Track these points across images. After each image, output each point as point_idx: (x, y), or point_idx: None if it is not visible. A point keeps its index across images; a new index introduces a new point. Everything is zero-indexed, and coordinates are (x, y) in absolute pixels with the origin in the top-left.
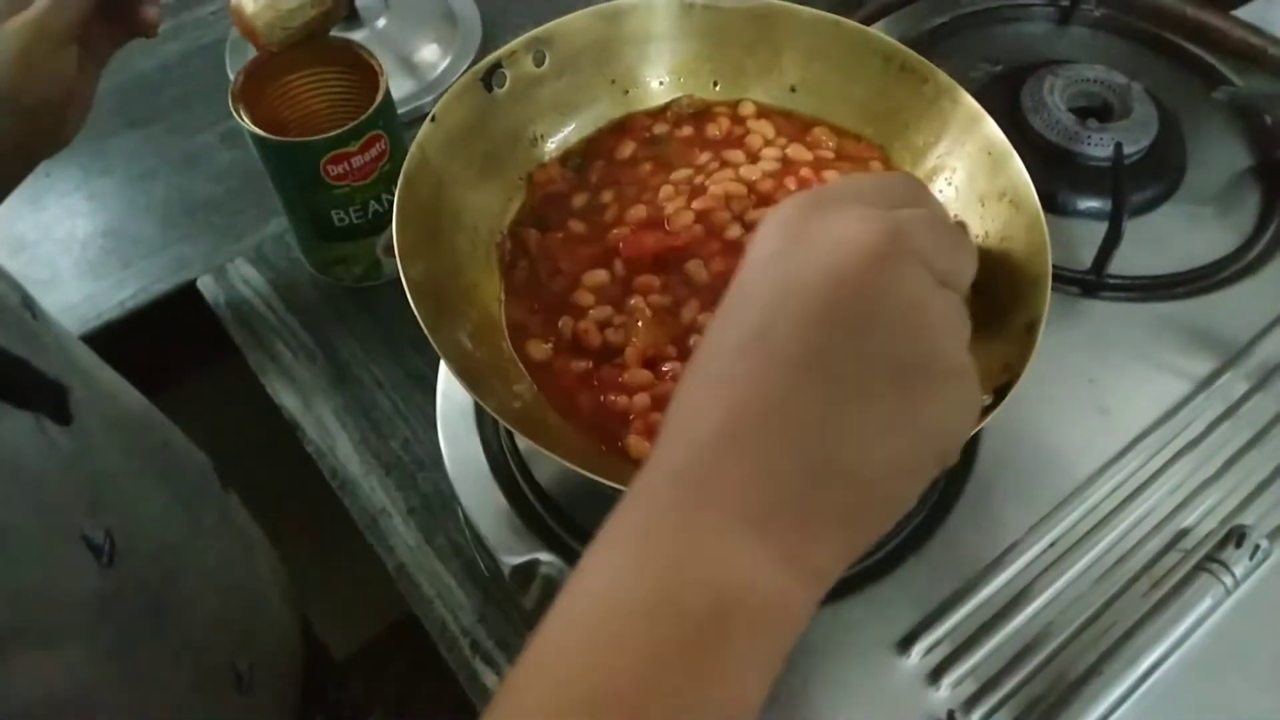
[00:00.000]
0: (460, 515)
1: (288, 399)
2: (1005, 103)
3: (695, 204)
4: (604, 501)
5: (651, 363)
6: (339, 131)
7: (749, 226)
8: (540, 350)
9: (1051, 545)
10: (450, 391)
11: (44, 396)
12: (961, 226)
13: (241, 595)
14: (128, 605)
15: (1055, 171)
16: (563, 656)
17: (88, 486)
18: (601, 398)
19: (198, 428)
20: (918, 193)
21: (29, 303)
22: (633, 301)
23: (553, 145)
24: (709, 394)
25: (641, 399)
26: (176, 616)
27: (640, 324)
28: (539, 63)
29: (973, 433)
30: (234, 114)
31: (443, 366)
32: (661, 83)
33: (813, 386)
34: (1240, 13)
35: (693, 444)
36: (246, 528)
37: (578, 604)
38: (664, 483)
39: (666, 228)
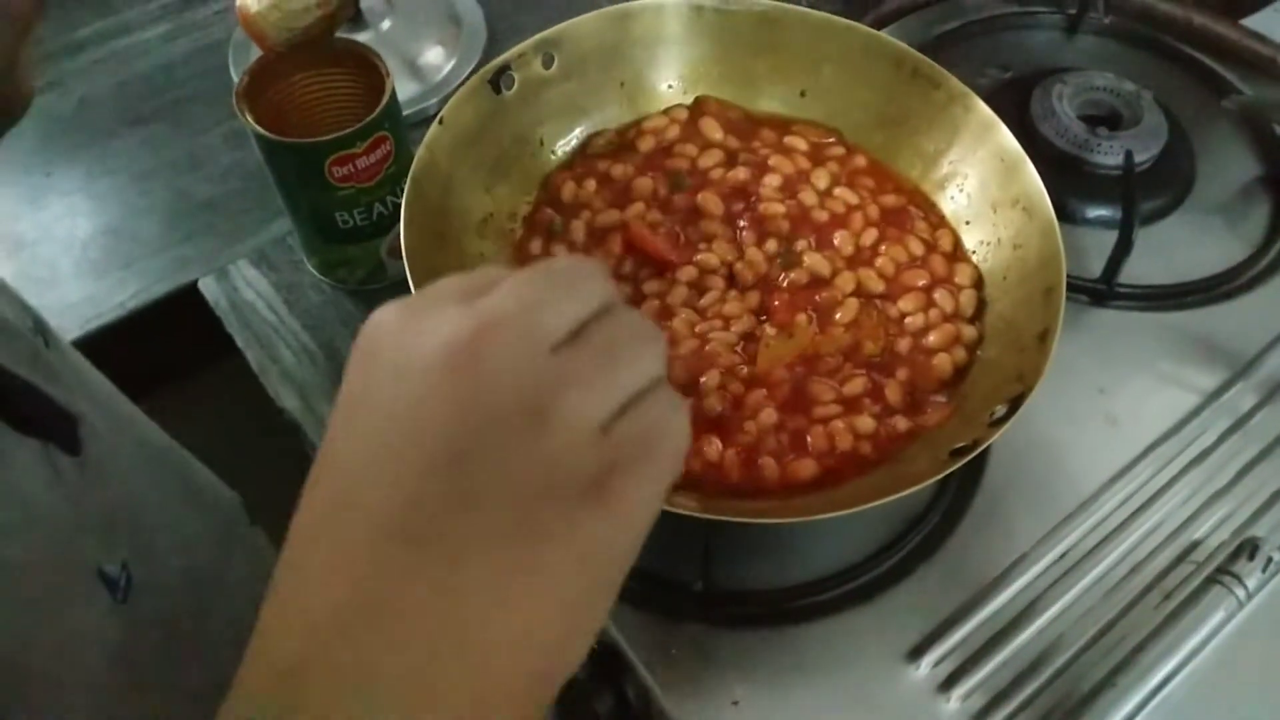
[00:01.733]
0: None
1: (289, 400)
2: (1014, 110)
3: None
4: None
5: None
6: (344, 133)
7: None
8: None
9: (1062, 556)
10: None
11: (53, 425)
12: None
13: None
14: (141, 647)
15: (1064, 179)
16: None
17: (102, 518)
18: None
19: (197, 429)
20: (515, 268)
21: (42, 329)
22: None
23: (560, 148)
24: (300, 581)
25: None
26: (191, 663)
27: None
28: (547, 65)
29: (637, 551)
30: (238, 114)
31: None
32: (670, 86)
33: (416, 559)
34: (1248, 21)
35: (276, 665)
36: (272, 565)
37: None
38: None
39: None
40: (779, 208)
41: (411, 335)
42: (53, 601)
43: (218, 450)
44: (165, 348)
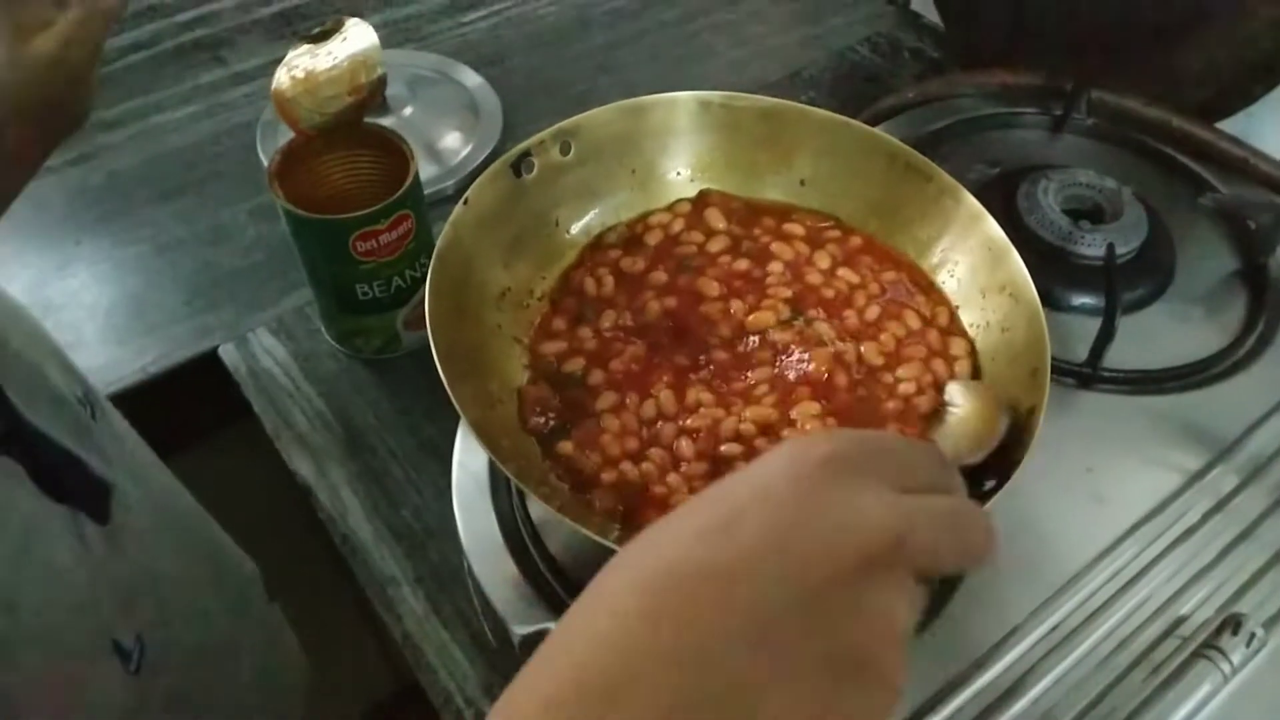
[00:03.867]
0: (469, 585)
1: (302, 465)
2: (1002, 203)
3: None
4: None
5: None
6: (370, 210)
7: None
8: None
9: (1053, 630)
10: (466, 461)
11: (87, 494)
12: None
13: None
14: (150, 718)
15: (1050, 269)
16: None
17: (122, 589)
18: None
19: (213, 492)
20: (942, 472)
21: (91, 399)
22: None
23: (575, 229)
24: (623, 623)
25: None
26: None
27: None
28: (565, 152)
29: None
30: (269, 190)
31: (459, 436)
32: (679, 174)
33: (741, 651)
34: (1224, 125)
35: (579, 680)
36: (287, 642)
37: None
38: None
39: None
40: (786, 291)
41: (848, 487)
42: (66, 669)
43: (232, 513)
44: (184, 412)
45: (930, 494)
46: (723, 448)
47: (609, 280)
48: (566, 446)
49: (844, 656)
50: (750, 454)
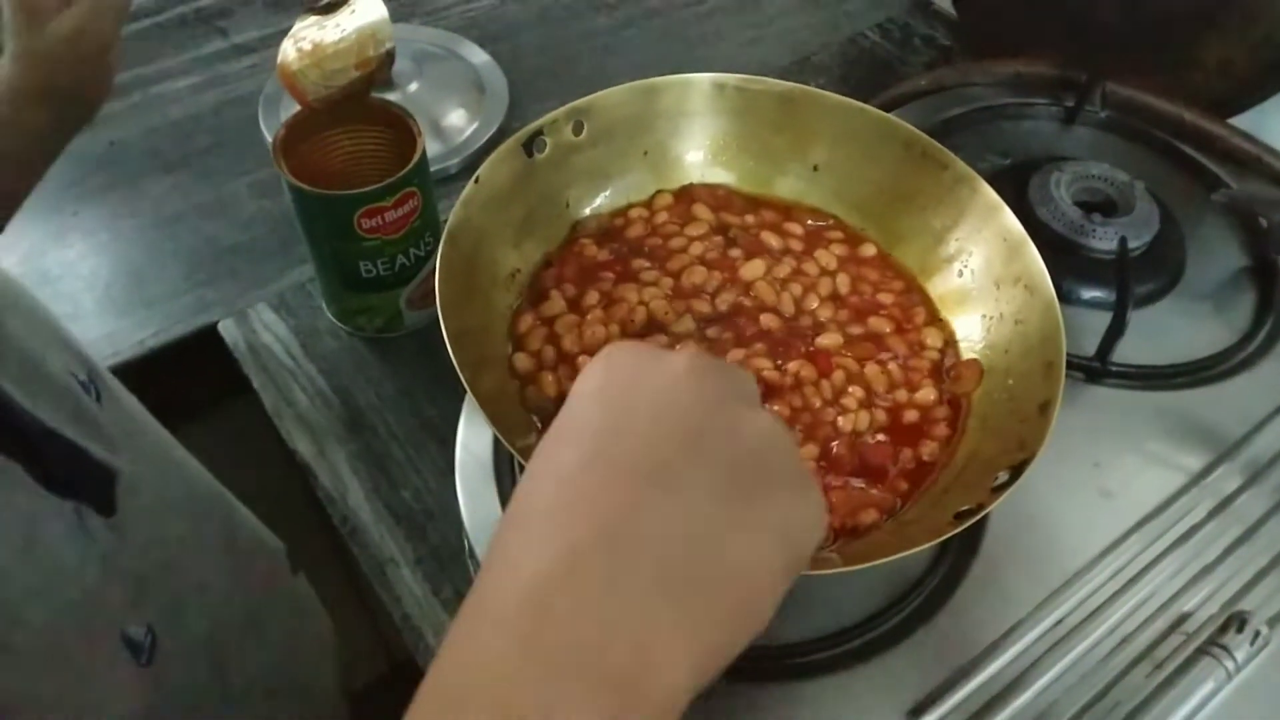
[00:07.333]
0: (470, 567)
1: (302, 443)
2: (1013, 194)
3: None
4: None
5: None
6: (376, 186)
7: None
8: (551, 389)
9: (1058, 623)
10: (470, 443)
11: (89, 484)
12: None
13: (294, 694)
14: (165, 711)
15: (1060, 261)
16: None
17: (130, 580)
18: None
19: (209, 469)
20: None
21: (94, 379)
22: None
23: (585, 210)
24: (543, 525)
25: None
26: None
27: None
28: (578, 132)
29: (819, 541)
30: (275, 164)
31: (463, 418)
32: (692, 156)
33: (659, 496)
34: (1236, 121)
35: (524, 582)
36: (312, 614)
37: None
38: (492, 633)
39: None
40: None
41: (657, 355)
42: (74, 665)
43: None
44: (183, 387)
45: None
46: None
47: (573, 290)
48: None
49: (743, 467)
50: None
